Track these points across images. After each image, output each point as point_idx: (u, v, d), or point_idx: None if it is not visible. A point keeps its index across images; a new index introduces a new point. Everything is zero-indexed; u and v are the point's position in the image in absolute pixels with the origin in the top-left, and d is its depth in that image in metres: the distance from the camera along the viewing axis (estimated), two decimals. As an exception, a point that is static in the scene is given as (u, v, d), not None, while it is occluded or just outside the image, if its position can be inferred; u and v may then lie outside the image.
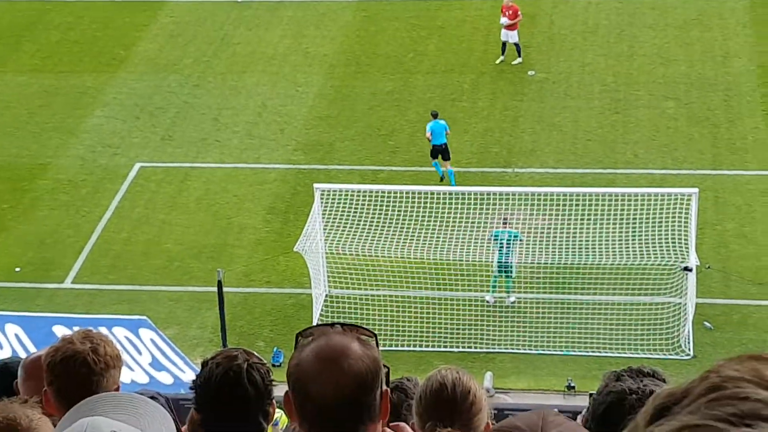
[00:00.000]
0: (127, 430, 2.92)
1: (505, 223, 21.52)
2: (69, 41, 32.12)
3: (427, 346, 21.05)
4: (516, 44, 29.50)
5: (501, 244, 21.28)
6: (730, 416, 1.44)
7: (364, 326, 3.36)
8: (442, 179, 25.30)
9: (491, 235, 21.40)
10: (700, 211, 22.11)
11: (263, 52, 31.19)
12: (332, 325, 3.30)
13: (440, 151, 25.22)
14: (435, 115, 25.44)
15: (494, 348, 21.03)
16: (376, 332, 3.39)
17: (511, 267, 21.50)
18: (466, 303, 21.73)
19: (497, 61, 29.62)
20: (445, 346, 21.02)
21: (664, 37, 30.74)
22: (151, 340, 19.66)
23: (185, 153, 27.04)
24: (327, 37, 31.68)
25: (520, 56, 29.51)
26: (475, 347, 21.05)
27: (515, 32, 29.40)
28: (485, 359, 20.77)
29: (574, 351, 20.75)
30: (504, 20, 29.40)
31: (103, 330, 18.71)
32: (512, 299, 21.76)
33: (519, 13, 29.34)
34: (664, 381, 4.17)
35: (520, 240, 21.50)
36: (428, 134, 25.16)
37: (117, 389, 4.51)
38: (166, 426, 3.21)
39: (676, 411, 1.50)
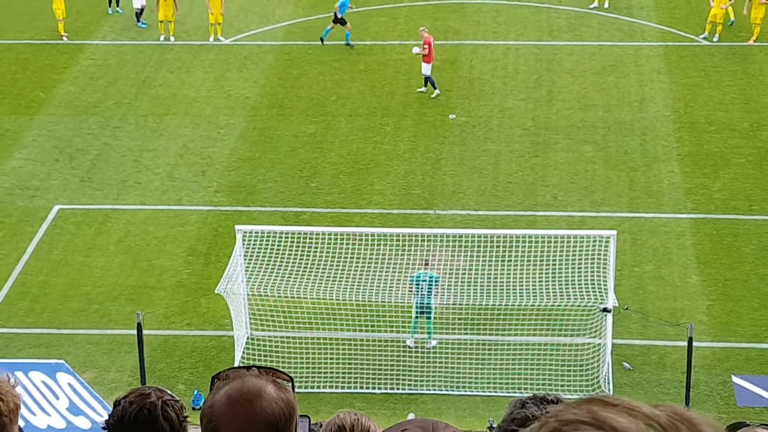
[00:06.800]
0: None
1: (426, 265, 21.59)
2: (-13, 82, 31.76)
3: (350, 387, 21.01)
4: (426, 77, 30.04)
5: (420, 286, 21.35)
6: None
7: (281, 370, 3.32)
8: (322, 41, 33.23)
9: (411, 278, 21.43)
10: (618, 253, 22.42)
11: (185, 94, 31.11)
12: (249, 368, 3.27)
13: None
14: None
15: (416, 389, 21.05)
16: (296, 375, 3.39)
17: (431, 309, 21.56)
18: (388, 344, 21.74)
19: (433, 96, 30.18)
20: (368, 388, 21.00)
21: (582, 82, 31.28)
22: (69, 385, 19.35)
23: (105, 195, 26.80)
24: (249, 80, 31.71)
25: (425, 87, 30.18)
26: (397, 388, 21.06)
27: (427, 65, 29.96)
28: (407, 400, 20.77)
29: (496, 391, 20.84)
30: (415, 50, 30.04)
31: (20, 375, 18.42)
32: (434, 343, 21.78)
33: (425, 45, 29.86)
34: None
35: (438, 283, 21.53)
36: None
37: None
38: None
39: None
